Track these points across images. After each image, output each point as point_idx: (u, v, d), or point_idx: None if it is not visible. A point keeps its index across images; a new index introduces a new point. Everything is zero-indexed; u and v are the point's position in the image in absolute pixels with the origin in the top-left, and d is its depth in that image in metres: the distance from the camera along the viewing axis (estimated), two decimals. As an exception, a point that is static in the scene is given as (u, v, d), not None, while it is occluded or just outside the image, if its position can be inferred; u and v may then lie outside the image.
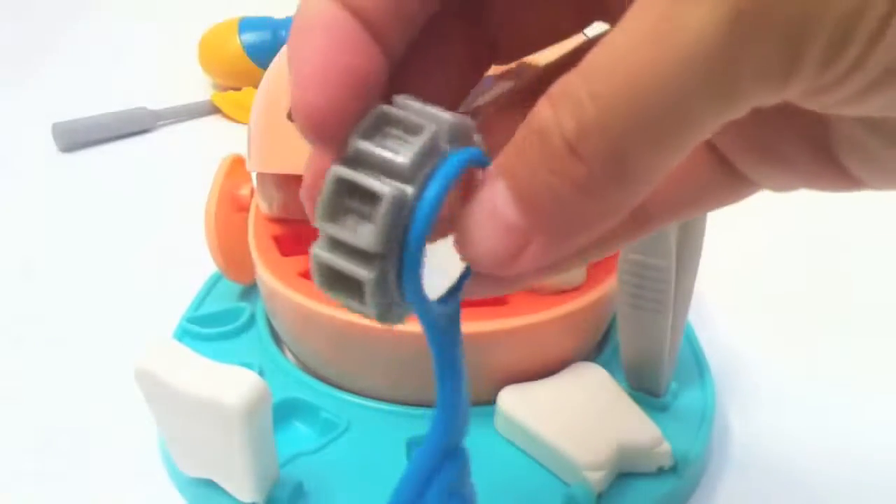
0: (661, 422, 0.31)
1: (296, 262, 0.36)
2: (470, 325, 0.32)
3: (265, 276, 0.35)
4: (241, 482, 0.27)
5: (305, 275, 0.35)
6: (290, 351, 0.37)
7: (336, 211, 0.15)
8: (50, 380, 0.38)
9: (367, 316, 0.16)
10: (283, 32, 0.64)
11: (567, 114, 0.14)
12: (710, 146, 0.18)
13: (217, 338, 0.38)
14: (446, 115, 0.15)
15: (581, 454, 0.30)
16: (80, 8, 0.82)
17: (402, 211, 0.15)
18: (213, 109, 0.63)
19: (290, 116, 0.33)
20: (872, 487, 0.33)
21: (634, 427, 0.31)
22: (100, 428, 0.35)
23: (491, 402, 0.32)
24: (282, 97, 0.33)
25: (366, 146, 0.15)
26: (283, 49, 0.37)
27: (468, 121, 0.16)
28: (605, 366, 0.34)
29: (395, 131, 0.15)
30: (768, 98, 0.14)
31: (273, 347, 0.37)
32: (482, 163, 0.16)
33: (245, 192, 0.40)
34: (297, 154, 0.33)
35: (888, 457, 0.34)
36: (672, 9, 0.13)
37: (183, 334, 0.38)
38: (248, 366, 0.27)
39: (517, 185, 0.15)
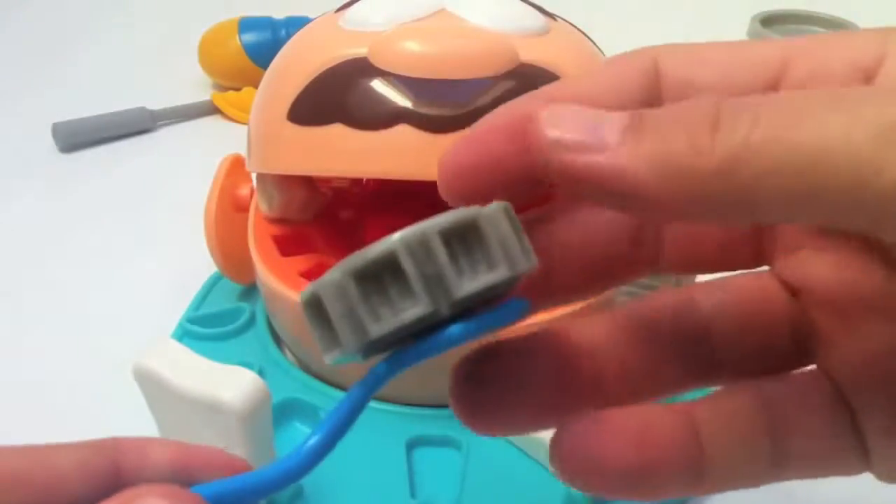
0: (660, 422, 0.31)
1: (296, 262, 0.35)
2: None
3: (265, 276, 0.35)
4: (240, 482, 0.28)
5: (306, 274, 0.35)
6: (290, 351, 0.37)
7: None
8: (50, 379, 0.38)
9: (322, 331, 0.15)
10: (283, 32, 0.64)
11: (731, 110, 0.14)
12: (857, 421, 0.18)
13: (217, 338, 0.38)
14: (458, 286, 0.14)
15: (581, 454, 0.30)
16: (79, 8, 0.82)
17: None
18: (213, 109, 0.63)
19: (289, 116, 0.33)
20: (872, 487, 0.33)
21: (634, 427, 0.31)
22: (99, 427, 0.35)
23: (491, 402, 0.32)
24: (282, 97, 0.33)
25: (350, 296, 0.14)
26: (283, 49, 0.37)
27: (501, 278, 0.15)
28: (605, 366, 0.34)
29: (386, 288, 0.14)
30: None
31: (273, 347, 0.37)
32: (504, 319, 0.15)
33: (245, 192, 0.40)
34: (296, 154, 0.33)
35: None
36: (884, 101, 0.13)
37: (183, 334, 0.38)
38: (248, 366, 0.27)
39: (637, 122, 0.15)
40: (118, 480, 0.19)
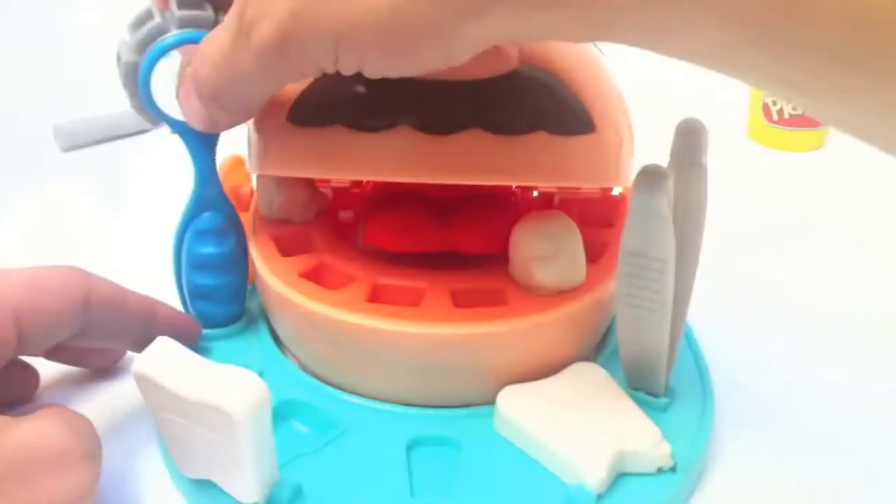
0: (660, 422, 0.31)
1: (296, 263, 0.36)
2: (470, 326, 0.32)
3: (265, 277, 0.35)
4: (241, 483, 0.28)
5: (306, 275, 0.35)
6: (290, 351, 0.37)
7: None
8: (50, 380, 0.38)
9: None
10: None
11: (191, 77, 0.29)
12: None
13: (217, 338, 0.38)
14: (180, 13, 0.31)
15: (581, 455, 0.30)
16: (80, 7, 0.82)
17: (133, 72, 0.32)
18: (213, 109, 0.63)
19: (289, 118, 0.33)
20: (873, 488, 0.33)
21: (634, 427, 0.31)
22: (99, 428, 0.35)
23: (491, 402, 0.32)
24: (281, 99, 0.33)
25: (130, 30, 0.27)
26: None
27: (202, 16, 0.31)
28: (605, 366, 0.34)
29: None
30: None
31: (273, 348, 0.37)
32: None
33: (245, 192, 0.40)
34: (297, 157, 0.33)
35: (889, 458, 0.34)
36: (242, 20, 0.25)
37: (183, 334, 0.38)
38: (248, 366, 0.27)
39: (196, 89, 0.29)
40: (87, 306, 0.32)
